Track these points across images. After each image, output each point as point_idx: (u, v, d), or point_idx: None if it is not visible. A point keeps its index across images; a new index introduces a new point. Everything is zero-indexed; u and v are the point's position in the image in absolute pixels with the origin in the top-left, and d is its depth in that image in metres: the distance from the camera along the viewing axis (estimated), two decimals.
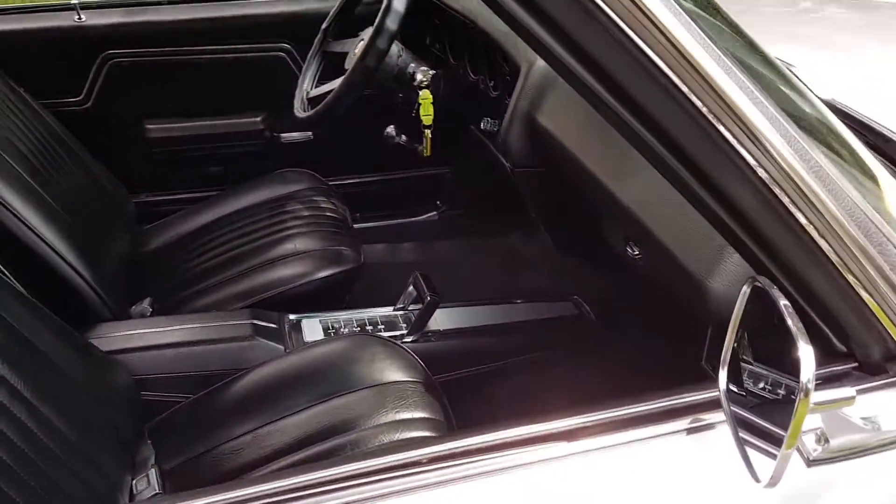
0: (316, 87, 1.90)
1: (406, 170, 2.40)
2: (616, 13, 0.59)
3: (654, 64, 0.60)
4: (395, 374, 1.37)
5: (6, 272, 1.45)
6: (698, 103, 0.60)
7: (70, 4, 2.03)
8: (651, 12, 0.58)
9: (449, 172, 2.44)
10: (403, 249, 2.36)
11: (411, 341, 1.58)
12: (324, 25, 1.94)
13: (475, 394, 1.52)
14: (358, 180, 2.39)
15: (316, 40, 1.94)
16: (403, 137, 2.04)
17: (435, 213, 2.50)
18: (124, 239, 1.85)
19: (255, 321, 1.53)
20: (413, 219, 2.46)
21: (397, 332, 1.60)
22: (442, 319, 1.66)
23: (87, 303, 1.53)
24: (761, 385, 0.69)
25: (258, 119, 2.21)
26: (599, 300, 1.74)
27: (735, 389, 0.68)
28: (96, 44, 2.06)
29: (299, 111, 1.83)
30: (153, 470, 1.27)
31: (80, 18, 2.03)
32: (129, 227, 1.93)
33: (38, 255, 1.49)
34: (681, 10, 0.60)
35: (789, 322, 0.62)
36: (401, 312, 1.66)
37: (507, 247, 2.30)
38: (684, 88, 0.60)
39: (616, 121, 0.66)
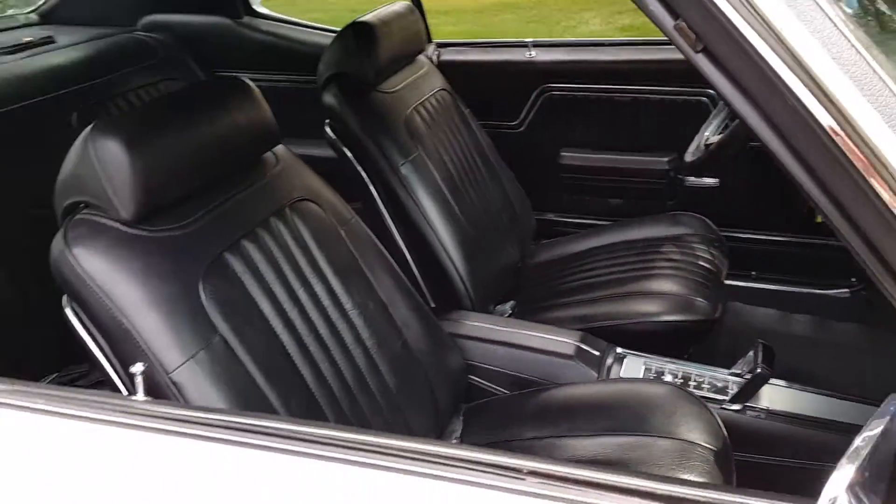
0: (718, 133, 1.88)
1: (821, 237, 2.19)
2: None
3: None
4: (691, 433, 1.33)
5: (406, 250, 1.82)
6: None
7: (524, 42, 2.36)
8: None
9: None
10: (791, 321, 2.16)
11: (732, 410, 1.50)
12: None
13: (779, 487, 1.36)
14: (759, 237, 2.26)
15: None
16: None
17: (846, 290, 2.22)
18: (513, 249, 2.10)
19: (581, 345, 1.62)
20: (814, 291, 2.23)
21: (719, 396, 1.52)
22: (779, 398, 1.52)
23: (455, 292, 1.82)
24: None
25: (665, 160, 2.27)
26: None
27: None
28: (538, 77, 2.36)
29: (689, 155, 1.85)
30: (455, 443, 1.47)
31: (530, 55, 2.36)
32: (523, 240, 2.18)
33: (431, 247, 1.83)
34: None
35: None
36: (734, 378, 1.57)
37: None
38: None
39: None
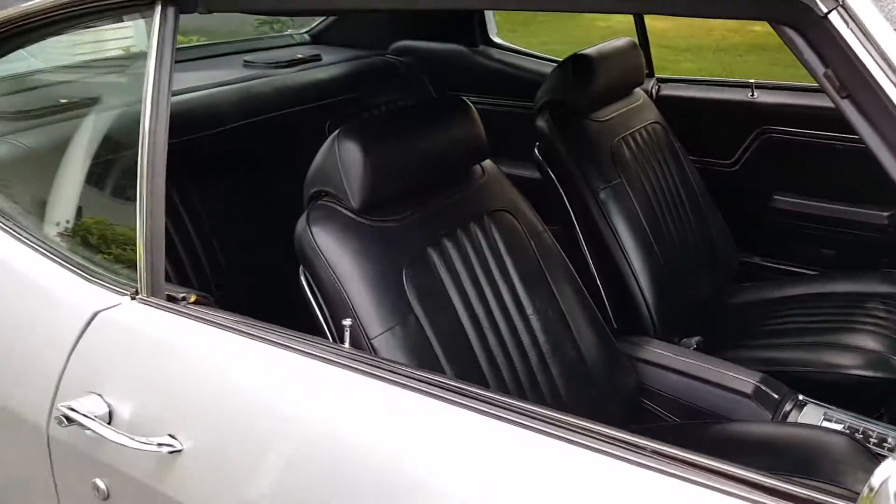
0: None
1: None
2: None
3: None
4: (857, 484, 1.30)
5: (596, 271, 1.92)
6: None
7: (747, 82, 2.36)
8: None
9: None
10: None
11: None
12: None
13: None
14: None
15: None
16: None
17: None
18: (707, 286, 2.11)
19: (761, 385, 1.61)
20: None
21: None
22: None
23: (640, 317, 1.88)
24: None
25: (885, 214, 2.15)
26: None
27: None
28: (759, 118, 2.34)
29: None
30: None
31: (752, 95, 2.35)
32: (721, 279, 2.18)
33: (621, 271, 1.91)
34: None
35: None
36: None
37: None
38: None
39: None
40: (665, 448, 0.78)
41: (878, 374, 1.65)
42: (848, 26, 0.67)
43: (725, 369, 1.68)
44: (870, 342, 1.74)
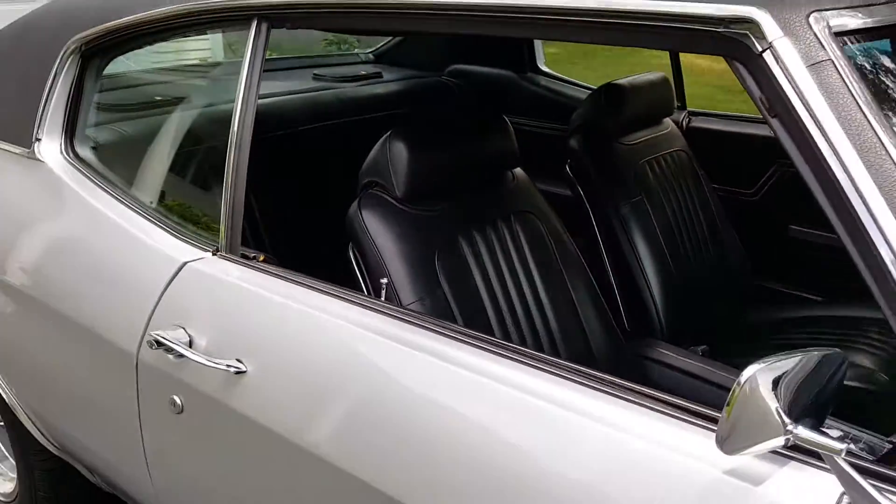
0: None
1: None
2: None
3: None
4: None
5: (612, 274, 2.13)
6: None
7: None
8: None
9: None
10: None
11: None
12: None
13: None
14: None
15: None
16: None
17: None
18: (720, 303, 2.28)
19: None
20: None
21: (868, 455, 1.61)
22: None
23: (650, 322, 2.08)
24: None
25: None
26: None
27: None
28: (779, 153, 2.50)
29: None
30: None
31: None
32: (734, 298, 2.35)
33: (636, 281, 2.11)
34: None
35: None
36: (890, 444, 1.64)
37: None
38: None
39: None
40: (618, 380, 0.99)
41: (865, 386, 1.81)
42: (777, 63, 0.89)
43: (723, 371, 1.86)
44: (861, 358, 1.89)
